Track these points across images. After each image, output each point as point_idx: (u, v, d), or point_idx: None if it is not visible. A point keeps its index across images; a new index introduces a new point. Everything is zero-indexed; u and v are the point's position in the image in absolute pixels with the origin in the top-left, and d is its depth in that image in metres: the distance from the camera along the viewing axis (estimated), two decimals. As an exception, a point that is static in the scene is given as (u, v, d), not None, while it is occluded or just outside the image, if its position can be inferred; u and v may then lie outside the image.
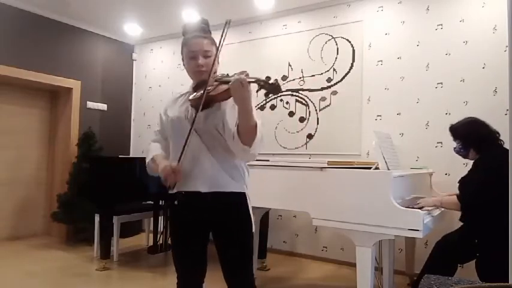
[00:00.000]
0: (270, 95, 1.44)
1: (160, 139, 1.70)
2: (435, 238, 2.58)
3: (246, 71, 1.43)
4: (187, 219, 1.58)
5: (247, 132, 1.42)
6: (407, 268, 3.21)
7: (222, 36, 1.50)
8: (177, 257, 1.64)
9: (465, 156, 2.56)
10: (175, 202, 1.58)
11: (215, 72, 1.60)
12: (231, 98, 1.46)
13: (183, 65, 1.67)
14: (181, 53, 1.65)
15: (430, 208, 2.32)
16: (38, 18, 4.40)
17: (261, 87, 1.38)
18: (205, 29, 1.65)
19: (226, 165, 1.54)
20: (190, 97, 1.56)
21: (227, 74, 1.56)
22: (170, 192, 1.58)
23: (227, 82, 1.44)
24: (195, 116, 1.47)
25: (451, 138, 2.62)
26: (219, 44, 1.54)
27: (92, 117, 4.91)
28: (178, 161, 1.48)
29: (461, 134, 2.53)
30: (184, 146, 1.48)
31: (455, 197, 2.38)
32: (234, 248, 1.56)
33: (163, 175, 1.49)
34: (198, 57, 1.57)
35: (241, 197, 1.58)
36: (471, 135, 2.47)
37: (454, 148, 2.59)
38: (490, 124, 2.47)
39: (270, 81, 1.38)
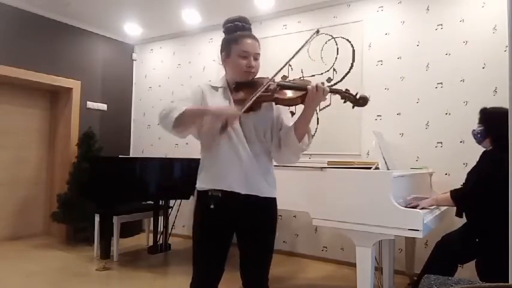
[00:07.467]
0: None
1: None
2: (435, 238, 2.57)
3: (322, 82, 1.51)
4: (220, 219, 1.57)
5: (304, 131, 1.57)
6: (407, 268, 3.21)
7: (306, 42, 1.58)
8: (200, 257, 1.61)
9: (479, 142, 2.48)
10: (212, 206, 1.54)
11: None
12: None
13: (222, 59, 1.65)
14: (225, 48, 1.63)
15: (431, 208, 2.32)
16: (38, 18, 4.40)
17: (345, 98, 1.52)
18: (251, 30, 1.67)
19: (264, 170, 1.59)
20: (238, 97, 1.55)
21: (287, 79, 1.62)
22: (198, 187, 1.59)
23: (299, 88, 1.50)
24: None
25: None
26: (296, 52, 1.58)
27: (92, 117, 4.91)
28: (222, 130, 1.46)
29: (487, 120, 2.41)
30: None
31: (448, 193, 2.38)
32: (260, 249, 1.62)
33: (228, 113, 1.45)
34: (250, 58, 1.59)
35: (273, 202, 1.64)
36: (497, 125, 2.30)
37: (473, 130, 2.49)
38: None
39: (357, 96, 1.49)
